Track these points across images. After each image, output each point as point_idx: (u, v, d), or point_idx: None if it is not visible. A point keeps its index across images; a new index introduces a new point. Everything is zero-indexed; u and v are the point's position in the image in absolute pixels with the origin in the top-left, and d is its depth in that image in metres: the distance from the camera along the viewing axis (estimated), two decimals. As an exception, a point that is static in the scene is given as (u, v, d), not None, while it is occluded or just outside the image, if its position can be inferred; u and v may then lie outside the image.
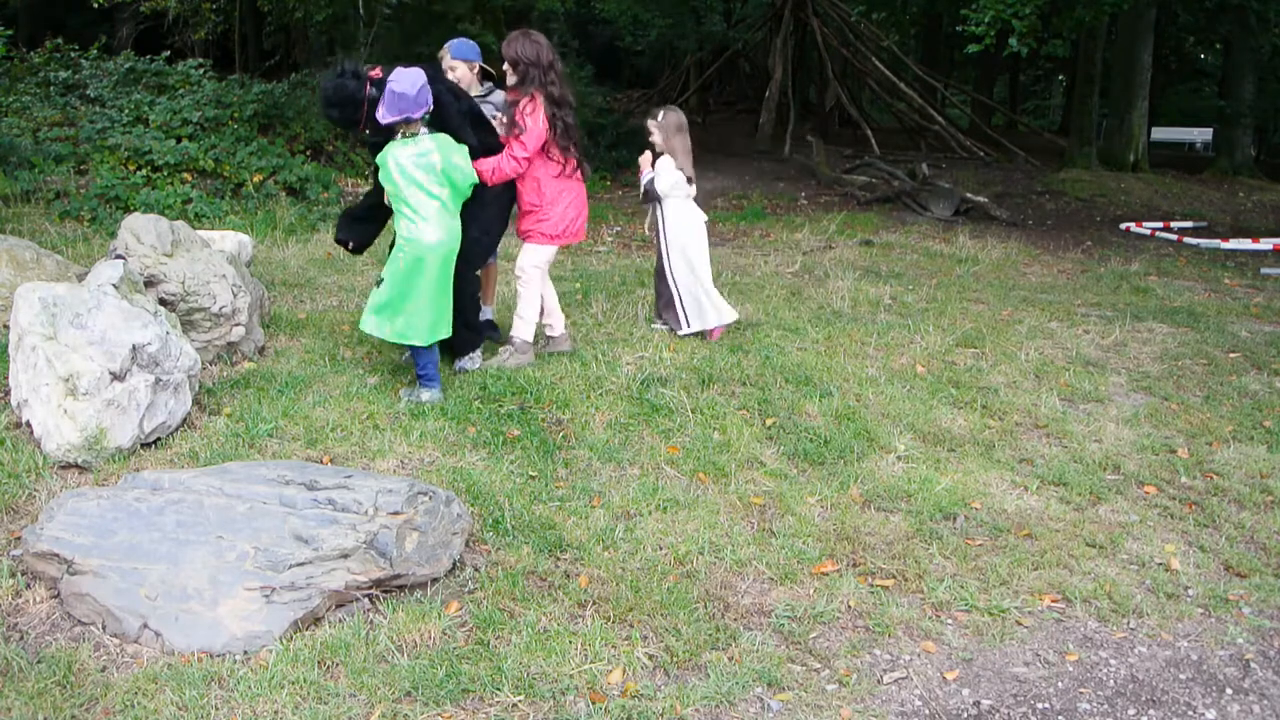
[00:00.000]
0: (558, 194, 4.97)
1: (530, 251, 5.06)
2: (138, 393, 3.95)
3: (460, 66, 5.13)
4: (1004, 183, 15.32)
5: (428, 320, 4.51)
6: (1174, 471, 4.39)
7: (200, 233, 5.63)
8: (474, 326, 5.02)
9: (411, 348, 4.63)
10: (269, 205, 9.84)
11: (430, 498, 3.33)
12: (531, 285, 5.08)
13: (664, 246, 5.67)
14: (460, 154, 4.53)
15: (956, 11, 12.37)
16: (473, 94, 5.08)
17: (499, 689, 2.71)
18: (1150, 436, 4.74)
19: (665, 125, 5.56)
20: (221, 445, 4.03)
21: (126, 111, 11.37)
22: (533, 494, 3.84)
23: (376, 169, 4.57)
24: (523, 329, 5.11)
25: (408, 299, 4.47)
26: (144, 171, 9.90)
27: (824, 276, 7.95)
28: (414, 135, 4.44)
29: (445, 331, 4.63)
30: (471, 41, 5.30)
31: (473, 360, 5.00)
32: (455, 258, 4.60)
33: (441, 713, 2.63)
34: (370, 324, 4.56)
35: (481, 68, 5.26)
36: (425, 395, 4.56)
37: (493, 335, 5.45)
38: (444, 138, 4.50)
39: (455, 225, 4.58)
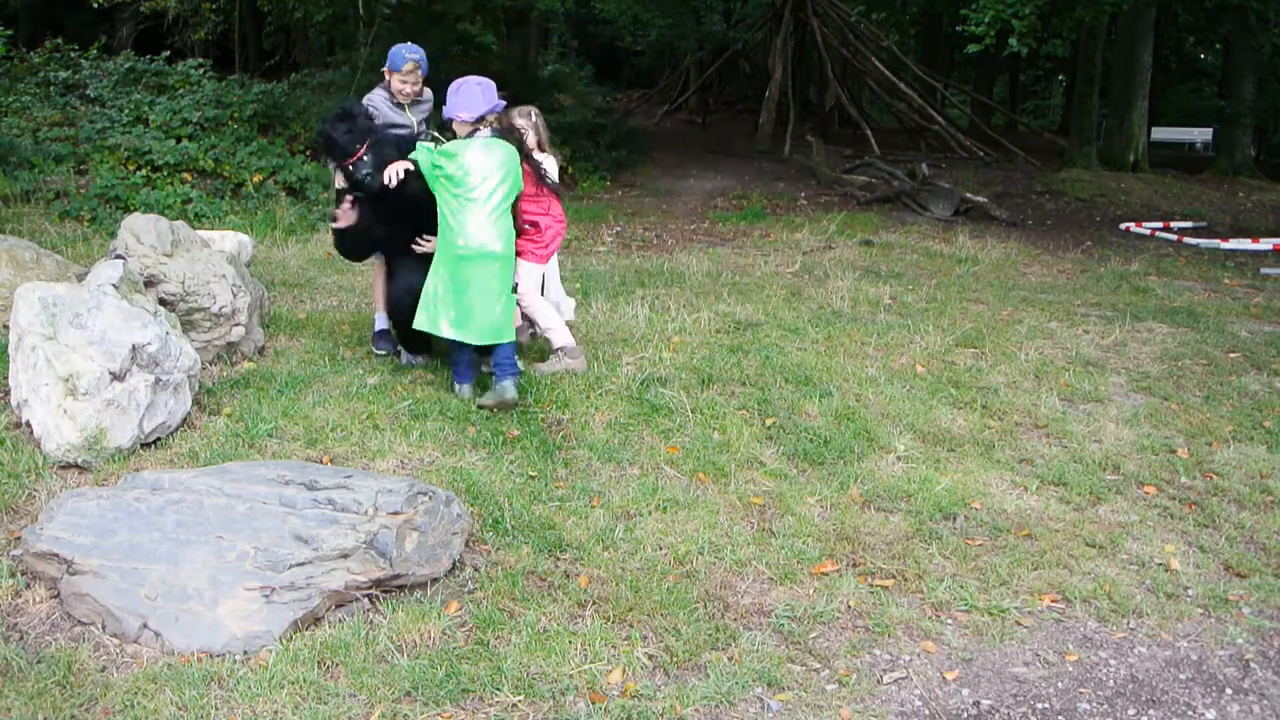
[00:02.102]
0: (542, 217, 5.08)
1: (526, 270, 5.05)
2: (137, 393, 3.95)
3: (421, 80, 5.24)
4: (1004, 183, 15.32)
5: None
6: (1174, 471, 4.39)
7: (200, 233, 5.63)
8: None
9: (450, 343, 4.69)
10: (269, 205, 9.85)
11: (430, 498, 3.33)
12: (533, 299, 5.08)
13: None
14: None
15: (956, 11, 12.37)
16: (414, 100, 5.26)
17: (499, 689, 2.71)
18: (1150, 436, 4.74)
19: (538, 125, 5.30)
20: (221, 445, 4.03)
21: (126, 111, 11.39)
22: (533, 494, 3.84)
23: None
24: (558, 338, 5.11)
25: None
26: (144, 171, 9.91)
27: (824, 276, 7.95)
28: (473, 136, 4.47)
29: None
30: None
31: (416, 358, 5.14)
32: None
33: (441, 713, 2.63)
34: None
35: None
36: (456, 389, 4.71)
37: (387, 347, 5.39)
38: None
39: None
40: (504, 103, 4.53)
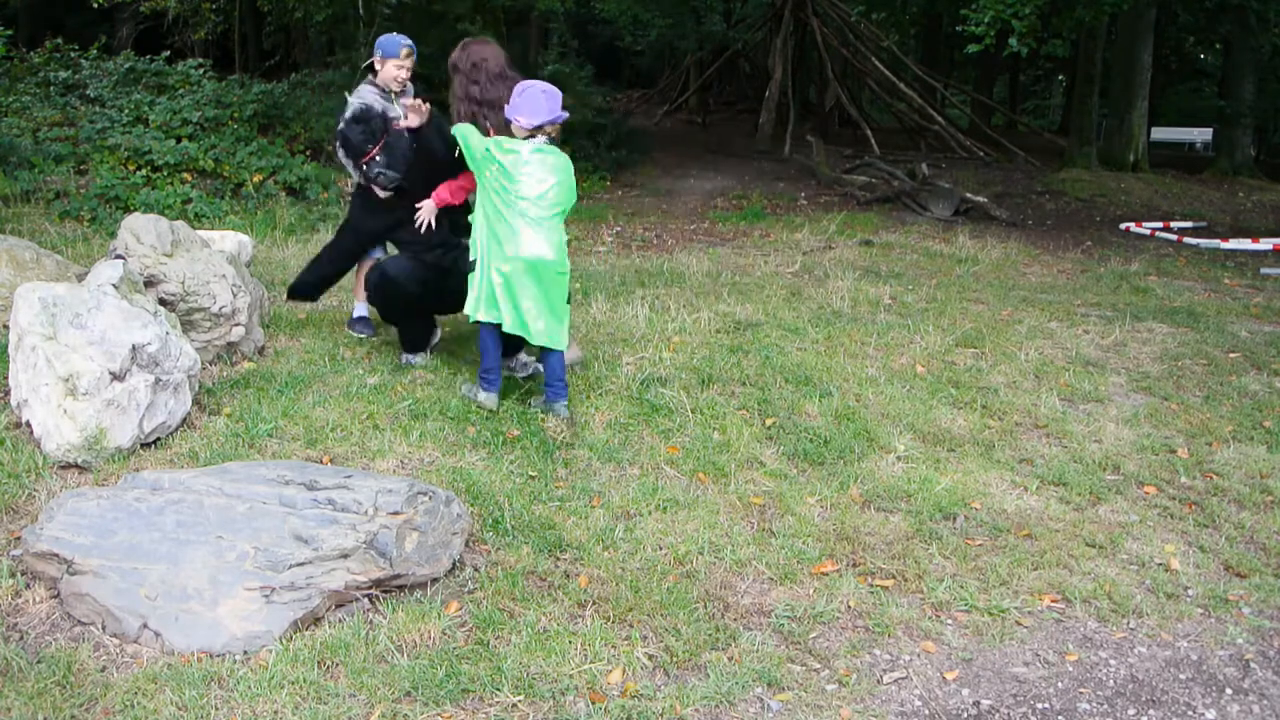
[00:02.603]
0: None
1: None
2: (137, 393, 3.95)
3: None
4: (1004, 183, 15.33)
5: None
6: (1174, 471, 4.39)
7: (200, 233, 5.63)
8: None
9: (480, 347, 4.59)
10: (269, 205, 9.85)
11: (430, 498, 3.33)
12: None
13: None
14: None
15: (956, 11, 12.38)
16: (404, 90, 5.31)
17: (499, 689, 2.71)
18: (1150, 436, 4.74)
19: None
20: (221, 445, 4.03)
21: (126, 111, 11.39)
22: (533, 494, 3.84)
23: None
24: None
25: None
26: (144, 171, 9.91)
27: (824, 276, 7.95)
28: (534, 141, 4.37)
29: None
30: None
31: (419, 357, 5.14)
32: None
33: (441, 713, 2.63)
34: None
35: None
36: (481, 396, 4.54)
37: (365, 331, 5.54)
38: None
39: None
40: (565, 114, 4.40)
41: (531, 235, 4.33)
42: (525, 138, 4.36)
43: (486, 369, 4.54)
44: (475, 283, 4.44)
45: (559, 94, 4.40)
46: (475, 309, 4.44)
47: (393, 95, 5.24)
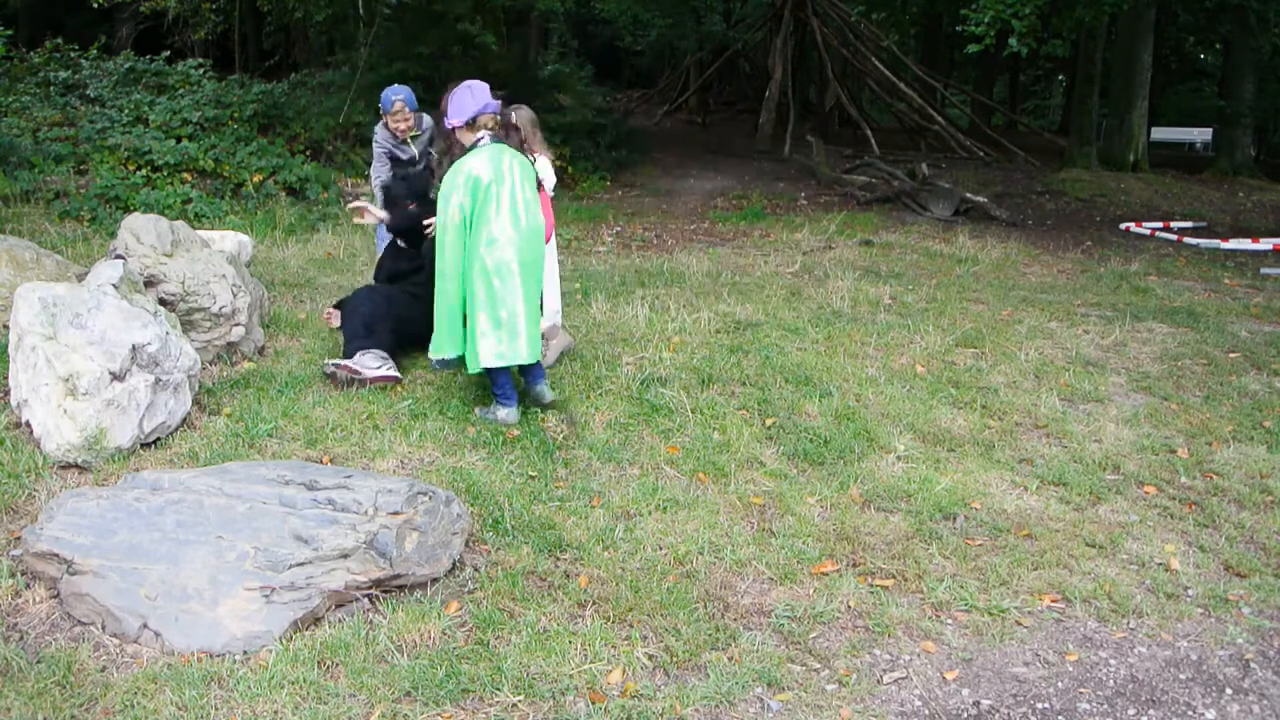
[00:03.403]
0: None
1: None
2: (137, 393, 3.95)
3: (412, 115, 5.51)
4: (1004, 183, 15.32)
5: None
6: (1174, 471, 4.39)
7: (200, 233, 5.64)
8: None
9: (489, 372, 4.45)
10: (269, 205, 9.84)
11: (430, 498, 3.33)
12: None
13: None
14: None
15: (956, 11, 12.37)
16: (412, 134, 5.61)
17: (499, 689, 2.71)
18: (1150, 436, 4.74)
19: (524, 120, 5.08)
20: (221, 445, 4.03)
21: (126, 111, 11.38)
22: (533, 494, 3.84)
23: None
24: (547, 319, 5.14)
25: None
26: (144, 171, 9.90)
27: (824, 276, 7.95)
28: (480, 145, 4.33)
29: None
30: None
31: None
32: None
33: (441, 713, 2.63)
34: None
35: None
36: (501, 413, 4.44)
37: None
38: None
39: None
40: (497, 103, 4.36)
41: (500, 229, 4.26)
42: (473, 144, 4.32)
43: (501, 385, 4.45)
44: (471, 335, 4.35)
45: (484, 86, 4.39)
46: (491, 357, 4.33)
47: (407, 139, 5.45)
